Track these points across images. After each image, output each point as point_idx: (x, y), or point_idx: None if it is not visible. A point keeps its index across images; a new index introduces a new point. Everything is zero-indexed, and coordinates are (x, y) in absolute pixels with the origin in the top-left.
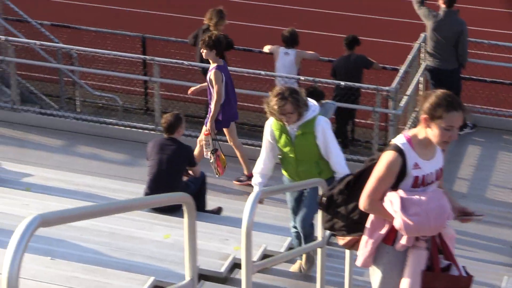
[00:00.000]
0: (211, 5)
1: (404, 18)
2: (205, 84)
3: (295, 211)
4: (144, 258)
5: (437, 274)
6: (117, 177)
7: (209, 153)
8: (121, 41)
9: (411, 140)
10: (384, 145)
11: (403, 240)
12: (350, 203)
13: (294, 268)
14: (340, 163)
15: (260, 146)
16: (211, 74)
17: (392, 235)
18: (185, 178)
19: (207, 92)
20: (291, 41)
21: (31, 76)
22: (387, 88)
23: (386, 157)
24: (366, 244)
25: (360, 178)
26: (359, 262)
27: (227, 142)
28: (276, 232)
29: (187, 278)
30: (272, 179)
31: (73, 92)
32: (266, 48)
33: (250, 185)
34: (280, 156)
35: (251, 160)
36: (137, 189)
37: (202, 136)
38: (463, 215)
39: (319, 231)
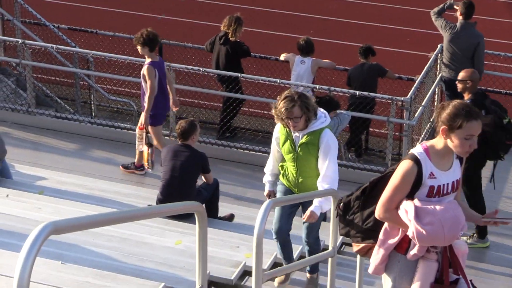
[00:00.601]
0: (229, 12)
1: (421, 29)
2: None
3: (282, 217)
4: (155, 264)
5: (445, 287)
6: (130, 182)
7: (141, 146)
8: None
9: (428, 150)
10: (398, 155)
11: (415, 250)
12: (365, 210)
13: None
14: (332, 179)
15: None
16: (144, 70)
17: (405, 244)
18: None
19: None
20: (307, 49)
21: (47, 79)
22: (402, 98)
23: (403, 166)
24: (378, 252)
25: (376, 186)
26: (370, 269)
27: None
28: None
29: (198, 285)
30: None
31: (89, 96)
32: (282, 56)
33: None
34: (281, 163)
35: (260, 167)
36: (150, 195)
37: (137, 130)
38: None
39: (330, 241)
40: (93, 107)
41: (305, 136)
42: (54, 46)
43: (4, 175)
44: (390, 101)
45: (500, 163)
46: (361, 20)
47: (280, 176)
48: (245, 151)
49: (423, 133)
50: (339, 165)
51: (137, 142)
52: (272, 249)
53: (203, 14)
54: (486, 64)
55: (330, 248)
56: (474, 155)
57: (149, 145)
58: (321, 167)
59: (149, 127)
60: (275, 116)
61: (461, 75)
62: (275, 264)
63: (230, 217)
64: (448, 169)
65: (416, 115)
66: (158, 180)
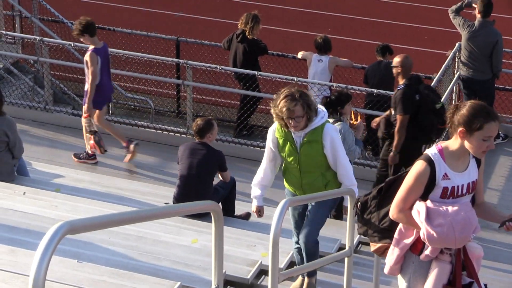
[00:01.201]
0: (246, 9)
1: (439, 27)
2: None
3: (298, 226)
4: (171, 263)
5: None
6: (147, 179)
7: (90, 133)
8: (155, 43)
9: (443, 151)
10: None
11: (427, 251)
12: (381, 209)
13: (294, 286)
14: (347, 175)
15: None
16: (87, 56)
17: (420, 245)
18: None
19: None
20: (324, 47)
21: (64, 77)
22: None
23: (416, 167)
24: (393, 252)
25: (392, 186)
26: (386, 270)
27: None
28: None
29: (213, 285)
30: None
31: None
32: (300, 54)
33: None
34: (282, 167)
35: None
36: (167, 193)
37: (83, 120)
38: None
39: (347, 240)
40: (110, 105)
41: (307, 135)
42: (72, 43)
43: (21, 172)
44: None
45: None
46: (379, 18)
47: (285, 182)
48: (262, 149)
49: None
50: (356, 163)
51: (84, 130)
52: (288, 248)
53: (221, 11)
54: (504, 62)
55: (347, 248)
56: (407, 139)
57: (93, 132)
58: (332, 160)
59: (92, 109)
60: (275, 116)
61: (394, 60)
62: (291, 264)
63: (247, 216)
64: (464, 171)
65: None
66: (175, 178)
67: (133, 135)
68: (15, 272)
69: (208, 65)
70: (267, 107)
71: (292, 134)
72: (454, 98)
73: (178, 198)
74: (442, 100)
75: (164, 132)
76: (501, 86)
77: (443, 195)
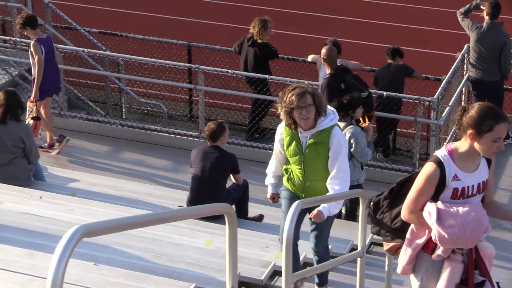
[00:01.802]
0: (257, 14)
1: (447, 29)
2: None
3: (295, 232)
4: (186, 264)
5: None
6: (161, 183)
7: (30, 118)
8: (167, 49)
9: (452, 153)
10: (425, 155)
11: (439, 251)
12: (393, 210)
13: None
14: (336, 176)
15: None
16: (31, 46)
17: (432, 245)
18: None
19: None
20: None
21: (78, 83)
22: (429, 98)
23: (426, 169)
24: (405, 252)
25: (403, 187)
26: (399, 270)
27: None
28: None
29: (228, 286)
30: None
31: (119, 99)
32: (310, 58)
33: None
34: (285, 166)
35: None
36: (181, 196)
37: (28, 104)
38: None
39: (359, 241)
40: (123, 110)
41: (314, 136)
42: (85, 49)
43: (37, 177)
44: (417, 101)
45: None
46: (388, 21)
47: (284, 180)
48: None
49: (451, 133)
50: (367, 165)
51: (27, 116)
52: (302, 250)
53: (231, 17)
54: None
55: (359, 248)
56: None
57: (37, 118)
58: (331, 167)
59: (39, 99)
60: (283, 112)
61: (321, 52)
62: (304, 264)
63: (260, 218)
64: (474, 171)
65: (443, 115)
66: (188, 181)
67: (147, 139)
68: (33, 275)
69: (220, 69)
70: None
71: (299, 134)
72: (463, 99)
73: (192, 201)
74: (451, 102)
75: (177, 136)
76: (510, 87)
77: (454, 196)
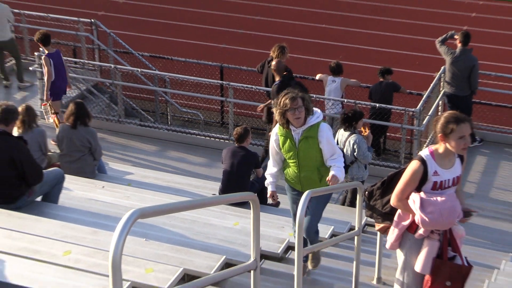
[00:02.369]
0: (276, 41)
1: (427, 54)
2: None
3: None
4: (218, 241)
5: (444, 261)
6: (198, 176)
7: (49, 116)
8: (204, 69)
9: (433, 153)
10: (409, 154)
11: (421, 231)
12: (384, 198)
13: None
14: (332, 159)
15: None
16: (42, 59)
17: (415, 226)
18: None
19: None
20: (337, 70)
21: (133, 96)
22: (413, 109)
23: (412, 166)
24: (393, 231)
25: (393, 179)
26: (387, 245)
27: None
28: (323, 222)
29: (252, 258)
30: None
31: (166, 109)
32: (318, 76)
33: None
34: (283, 166)
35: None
36: (214, 186)
37: (42, 107)
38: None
39: (356, 223)
40: (169, 117)
41: (305, 131)
42: (139, 69)
43: (101, 171)
44: (403, 111)
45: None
46: (381, 47)
47: (285, 177)
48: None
49: (429, 137)
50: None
51: (45, 116)
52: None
53: (255, 43)
54: (480, 82)
55: (356, 229)
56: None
57: (55, 113)
58: (328, 152)
59: (50, 101)
60: (277, 114)
61: (272, 64)
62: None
63: (277, 204)
64: (450, 168)
65: (424, 123)
66: (220, 175)
67: (188, 140)
68: (98, 248)
69: (246, 85)
70: None
71: (292, 132)
72: (440, 110)
73: (223, 190)
74: (430, 112)
75: (211, 138)
76: (477, 101)
77: (434, 187)
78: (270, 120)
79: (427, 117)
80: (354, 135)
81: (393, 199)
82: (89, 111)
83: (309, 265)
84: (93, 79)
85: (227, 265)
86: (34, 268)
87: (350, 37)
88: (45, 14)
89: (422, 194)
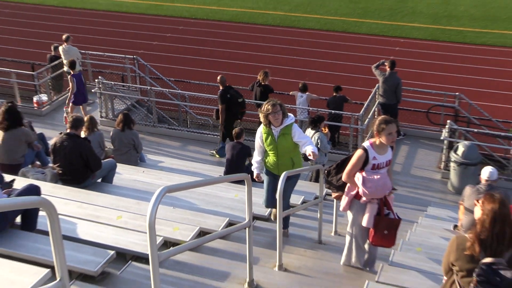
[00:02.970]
0: (261, 68)
1: (367, 75)
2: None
3: (271, 194)
4: (223, 208)
5: (382, 217)
6: (209, 163)
7: (71, 115)
8: (212, 88)
9: (372, 144)
10: (355, 145)
11: (364, 198)
12: (338, 175)
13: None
14: (305, 144)
15: None
16: (69, 78)
17: (359, 195)
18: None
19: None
20: (304, 88)
21: (163, 108)
22: (357, 114)
23: (357, 153)
24: (344, 199)
25: (344, 162)
26: (341, 209)
27: None
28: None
29: (247, 219)
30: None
31: (186, 116)
32: (291, 93)
33: None
34: (265, 154)
35: None
36: (220, 170)
37: (65, 110)
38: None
39: (319, 192)
40: (188, 122)
41: (282, 130)
42: (167, 90)
43: (142, 160)
44: (350, 116)
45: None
46: (334, 71)
47: (265, 164)
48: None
49: (369, 133)
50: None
51: (69, 115)
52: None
53: (247, 70)
54: (403, 94)
55: (319, 197)
56: (227, 117)
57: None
58: (301, 141)
59: (71, 105)
60: (262, 115)
61: (217, 79)
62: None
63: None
64: (384, 154)
65: (365, 123)
66: (224, 162)
67: (202, 138)
68: (140, 214)
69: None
70: None
71: (272, 130)
72: (376, 114)
73: (226, 172)
74: (369, 116)
75: (217, 136)
76: (401, 107)
77: (372, 168)
78: (218, 117)
79: (367, 119)
80: (318, 132)
81: (344, 176)
82: (133, 119)
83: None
84: (135, 97)
85: (230, 224)
86: (96, 228)
87: (314, 65)
88: (102, 53)
89: (364, 173)
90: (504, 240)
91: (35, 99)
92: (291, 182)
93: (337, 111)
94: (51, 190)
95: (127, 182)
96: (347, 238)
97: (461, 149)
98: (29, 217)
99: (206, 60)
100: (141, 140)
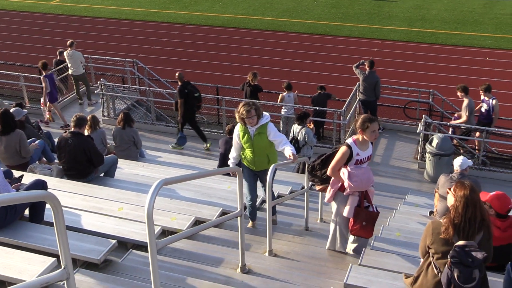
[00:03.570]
0: (251, 69)
1: (348, 75)
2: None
3: (252, 188)
4: (217, 198)
5: (361, 209)
6: (204, 157)
7: (46, 115)
8: (206, 88)
9: (356, 141)
10: (338, 139)
11: (347, 191)
12: (322, 169)
13: (249, 225)
14: (282, 144)
15: None
16: (41, 78)
17: (343, 187)
18: None
19: None
20: (289, 88)
21: (161, 107)
22: (339, 110)
23: (342, 149)
24: (329, 191)
25: (329, 158)
26: (326, 200)
27: None
28: (284, 184)
29: (238, 208)
30: None
31: None
32: (279, 97)
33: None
34: (242, 151)
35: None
36: (214, 163)
37: (42, 107)
38: None
39: (305, 184)
40: None
41: (258, 129)
42: (164, 90)
43: (141, 155)
44: (334, 112)
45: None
46: (318, 71)
47: (242, 160)
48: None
49: (351, 128)
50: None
51: (45, 112)
52: (278, 188)
53: (238, 71)
54: (381, 91)
55: (306, 187)
56: (185, 110)
57: (49, 111)
58: (277, 140)
59: (48, 103)
60: (237, 117)
61: (175, 75)
62: (278, 196)
63: None
64: (366, 150)
65: (347, 118)
66: (218, 156)
67: (196, 134)
68: (140, 205)
69: (233, 98)
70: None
71: (249, 129)
72: (357, 111)
73: (220, 166)
74: (351, 112)
75: (212, 132)
76: (380, 103)
77: (356, 163)
78: (177, 109)
79: (349, 115)
80: (304, 128)
81: (329, 171)
82: (132, 118)
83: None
84: (135, 97)
85: (223, 213)
86: (99, 219)
87: (299, 65)
88: (104, 57)
89: (348, 168)
90: (475, 223)
91: (41, 100)
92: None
93: (322, 108)
94: (57, 185)
95: (128, 176)
96: (331, 226)
97: (435, 141)
98: (37, 210)
99: (200, 62)
100: (140, 137)
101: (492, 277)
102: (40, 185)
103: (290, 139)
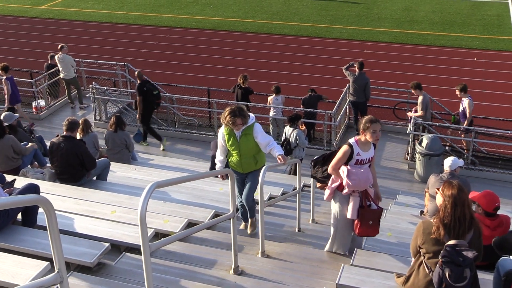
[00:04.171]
0: (241, 71)
1: (339, 76)
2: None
3: (240, 191)
4: (209, 200)
5: (366, 209)
6: (195, 159)
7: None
8: (198, 91)
9: (358, 141)
10: (329, 141)
11: (346, 190)
12: (323, 167)
13: (242, 227)
14: (272, 143)
15: None
16: (3, 80)
17: (342, 186)
18: None
19: None
20: (277, 91)
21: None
22: (330, 111)
23: (343, 148)
24: (328, 189)
25: (330, 156)
26: (325, 198)
27: None
28: (276, 185)
29: (231, 210)
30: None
31: (173, 117)
32: (268, 100)
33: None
34: (228, 155)
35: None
36: (205, 165)
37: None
38: None
39: (297, 184)
40: (175, 123)
41: (243, 131)
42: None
43: (133, 158)
44: (324, 113)
45: None
46: (308, 73)
47: (229, 163)
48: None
49: (342, 129)
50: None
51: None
52: (269, 189)
53: (229, 74)
54: (371, 93)
55: (297, 189)
56: (144, 107)
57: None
58: (264, 141)
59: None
60: (223, 122)
61: (136, 74)
62: (269, 198)
63: None
64: (368, 151)
65: (337, 120)
66: (210, 158)
67: (188, 137)
68: (132, 208)
69: (223, 100)
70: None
71: (235, 131)
72: (347, 112)
73: (211, 168)
74: (341, 113)
75: (202, 134)
76: (370, 105)
77: (356, 163)
78: (137, 107)
79: (339, 116)
80: (296, 129)
81: (330, 169)
82: (124, 121)
83: (248, 230)
84: (126, 100)
85: (216, 215)
86: (92, 222)
87: (289, 67)
88: (95, 61)
89: (348, 167)
90: (465, 222)
91: (33, 104)
92: (255, 177)
93: (312, 109)
94: (49, 188)
95: (120, 179)
96: (332, 228)
97: (425, 141)
98: (29, 214)
99: (191, 65)
100: (132, 140)
101: (482, 275)
102: (32, 189)
103: (282, 141)
